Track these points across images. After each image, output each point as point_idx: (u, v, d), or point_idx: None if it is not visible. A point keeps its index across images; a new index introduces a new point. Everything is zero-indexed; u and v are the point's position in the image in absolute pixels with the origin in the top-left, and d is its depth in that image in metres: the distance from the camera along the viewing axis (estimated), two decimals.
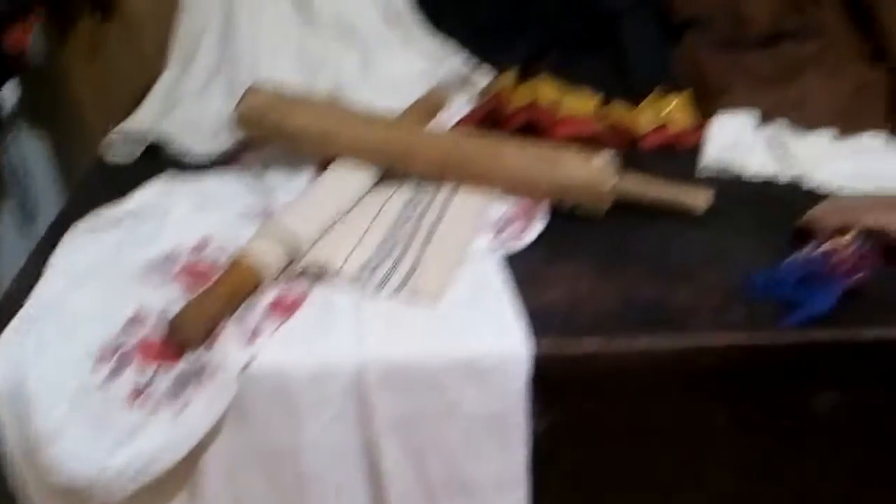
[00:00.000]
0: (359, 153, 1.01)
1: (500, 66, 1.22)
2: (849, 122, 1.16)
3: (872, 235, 0.92)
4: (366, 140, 1.01)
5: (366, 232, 0.94)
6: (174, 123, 1.14)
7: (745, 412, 0.92)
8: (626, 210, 1.00)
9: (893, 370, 0.88)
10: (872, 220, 0.94)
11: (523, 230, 0.97)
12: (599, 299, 0.89)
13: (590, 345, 0.83)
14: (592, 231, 0.99)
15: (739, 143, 1.12)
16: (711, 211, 1.00)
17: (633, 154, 1.13)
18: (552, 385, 0.82)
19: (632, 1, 1.25)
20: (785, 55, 1.24)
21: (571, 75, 1.19)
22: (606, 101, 1.19)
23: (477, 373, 0.80)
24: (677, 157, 1.15)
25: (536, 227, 0.98)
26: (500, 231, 0.97)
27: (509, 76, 1.20)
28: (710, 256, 0.96)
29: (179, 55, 1.23)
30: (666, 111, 1.17)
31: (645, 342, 0.83)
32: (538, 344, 0.81)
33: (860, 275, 0.88)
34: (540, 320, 0.84)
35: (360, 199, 1.00)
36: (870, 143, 1.14)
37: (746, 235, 0.98)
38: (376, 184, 1.02)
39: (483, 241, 0.95)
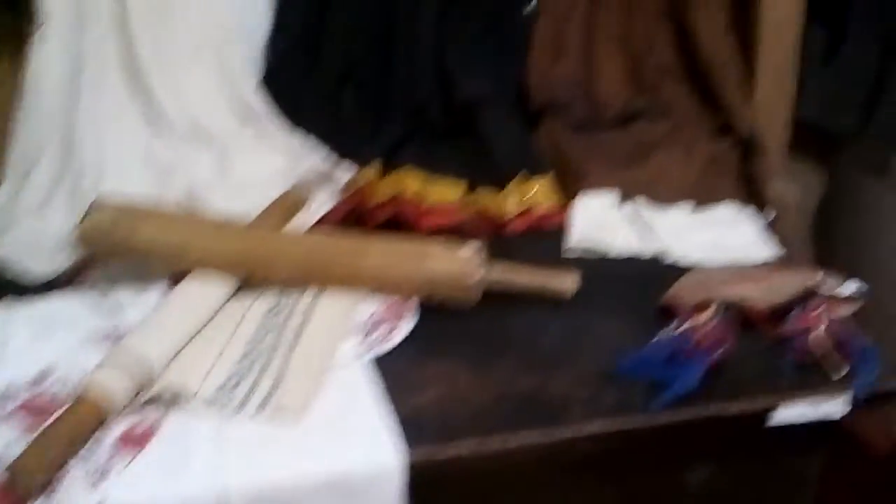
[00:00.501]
0: (214, 264, 0.98)
1: (361, 161, 1.24)
2: (702, 196, 1.23)
3: (731, 308, 0.99)
4: (220, 249, 0.99)
5: (224, 348, 0.92)
6: (11, 244, 1.09)
7: (629, 489, 0.94)
8: (496, 300, 1.02)
9: (759, 439, 0.93)
10: (730, 292, 1.00)
11: (392, 331, 0.97)
12: (473, 396, 0.89)
13: (464, 447, 0.83)
14: (463, 325, 1.00)
15: (602, 222, 1.17)
16: (580, 294, 1.03)
17: (500, 240, 1.16)
18: (429, 493, 0.81)
19: (490, 89, 1.31)
20: (638, 135, 1.32)
21: (435, 165, 1.22)
22: (471, 188, 1.22)
23: (349, 491, 0.78)
24: (544, 240, 1.18)
25: (406, 327, 0.98)
26: (368, 334, 0.97)
27: (371, 170, 1.22)
28: (581, 341, 0.98)
29: (15, 169, 1.18)
30: (530, 195, 1.21)
31: (520, 438, 0.84)
32: (411, 452, 0.81)
33: (722, 349, 0.93)
34: (413, 426, 0.84)
35: (217, 312, 0.97)
36: (724, 215, 1.22)
37: (615, 316, 1.02)
38: (234, 294, 1.00)
39: (351, 345, 0.95)
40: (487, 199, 1.21)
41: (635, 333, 0.97)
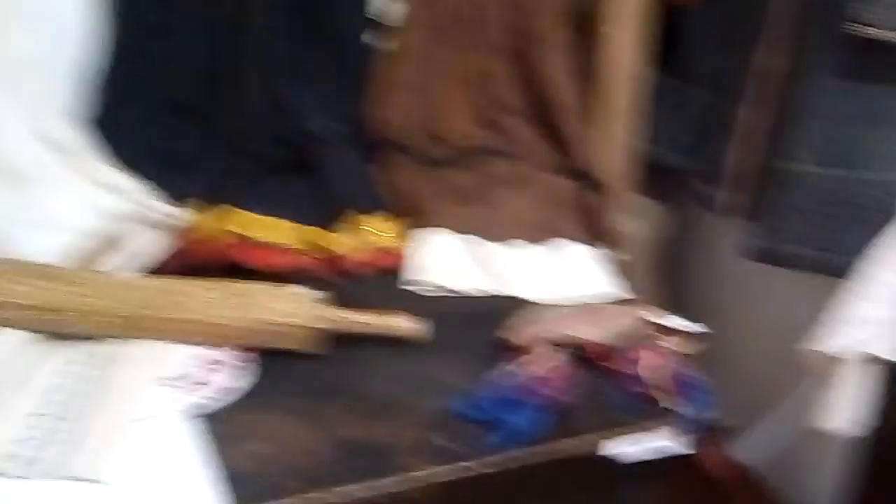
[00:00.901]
0: (12, 307, 0.91)
1: (186, 198, 1.19)
2: (546, 233, 1.26)
3: (567, 345, 1.00)
4: (16, 294, 0.92)
5: (11, 404, 0.85)
6: None
7: None
8: (332, 344, 1.00)
9: (596, 475, 0.94)
10: (567, 330, 1.02)
11: (218, 380, 0.93)
12: (304, 447, 0.86)
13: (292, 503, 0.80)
14: (297, 371, 0.97)
15: (442, 259, 1.17)
16: (419, 334, 1.03)
17: (339, 281, 1.14)
18: None
19: (326, 123, 1.30)
20: (481, 172, 1.33)
21: (266, 203, 1.18)
22: (303, 226, 1.18)
23: None
24: (384, 279, 1.17)
25: (233, 376, 0.94)
26: (189, 384, 0.92)
27: (197, 207, 1.17)
28: (418, 384, 0.97)
29: None
30: (370, 233, 1.20)
31: (350, 490, 0.82)
32: None
33: (558, 387, 0.94)
34: (238, 483, 0.80)
35: (8, 365, 0.90)
36: (567, 252, 1.24)
37: (452, 356, 1.01)
38: (34, 341, 0.93)
39: (168, 397, 0.89)
40: (324, 239, 1.18)
41: (472, 374, 0.97)
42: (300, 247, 1.16)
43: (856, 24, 1.11)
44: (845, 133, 1.19)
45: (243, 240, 1.13)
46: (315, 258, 1.15)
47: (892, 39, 1.10)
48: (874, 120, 1.17)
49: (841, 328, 1.08)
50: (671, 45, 1.39)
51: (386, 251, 1.19)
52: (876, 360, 1.05)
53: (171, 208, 1.17)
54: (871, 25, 1.10)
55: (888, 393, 1.04)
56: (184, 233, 1.14)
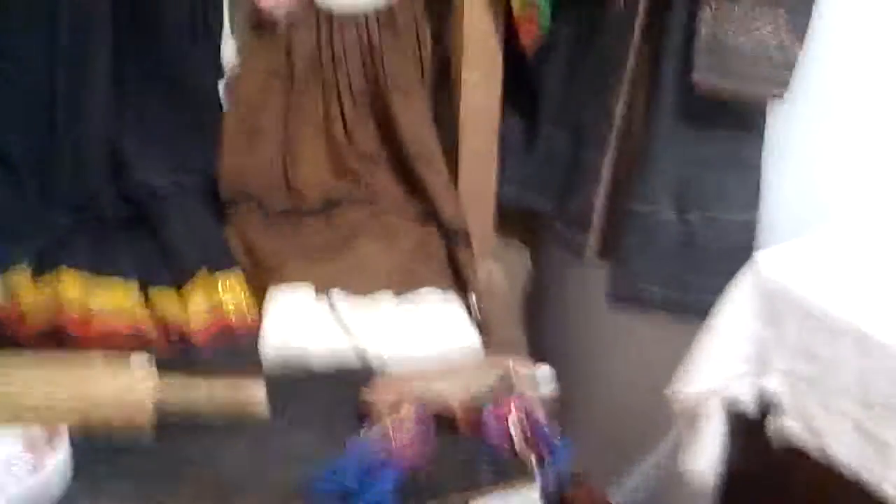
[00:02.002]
0: None
1: (13, 261, 1.12)
2: (406, 283, 1.25)
3: (427, 406, 0.99)
4: None
5: None
6: None
7: None
8: (175, 419, 0.95)
9: None
10: (427, 390, 1.01)
11: (43, 464, 0.87)
12: None
13: None
14: (136, 452, 0.92)
15: (298, 322, 1.14)
16: (274, 404, 0.99)
17: (183, 349, 1.09)
18: None
19: (173, 177, 1.26)
20: (339, 223, 1.32)
21: (104, 264, 1.12)
22: (147, 288, 1.14)
23: None
24: (234, 345, 1.12)
25: (59, 459, 0.88)
26: (13, 471, 0.86)
27: (22, 274, 1.10)
28: (273, 457, 0.93)
29: None
30: (218, 295, 1.16)
31: None
32: None
33: (421, 452, 0.93)
34: None
35: None
36: (427, 302, 1.24)
37: (309, 426, 0.98)
38: None
39: None
40: (167, 302, 1.13)
41: (331, 442, 0.94)
42: (138, 315, 1.10)
43: (693, 76, 1.19)
44: (696, 176, 1.24)
45: (74, 308, 1.07)
46: (155, 328, 1.10)
47: (724, 87, 1.18)
48: (722, 163, 1.24)
49: (702, 370, 1.12)
50: (523, 86, 1.44)
51: (236, 314, 1.15)
52: (737, 401, 1.10)
53: None
54: (703, 78, 1.17)
55: (743, 435, 1.09)
56: (6, 301, 1.07)
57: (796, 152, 1.22)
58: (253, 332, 1.13)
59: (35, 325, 1.05)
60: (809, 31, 1.15)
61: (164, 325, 1.10)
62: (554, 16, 1.38)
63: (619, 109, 1.29)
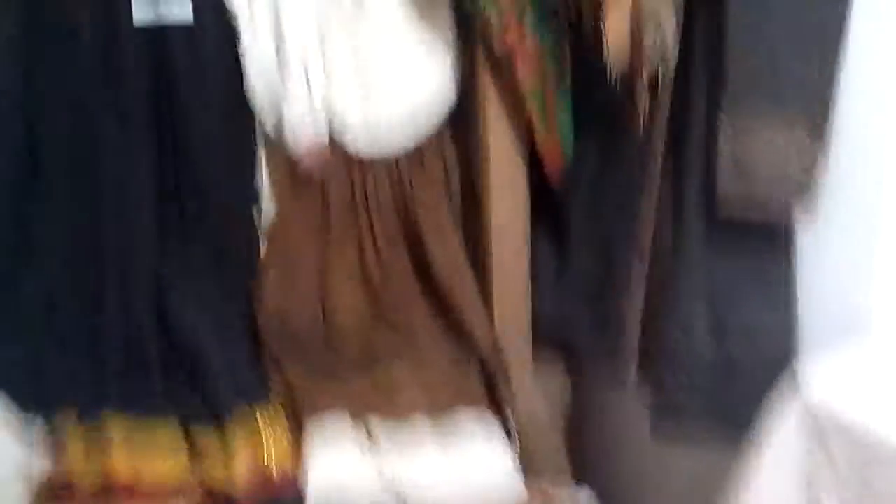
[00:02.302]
0: None
1: (56, 405, 1.17)
2: (442, 405, 1.28)
3: None
4: None
5: None
6: None
7: None
8: None
9: None
10: None
11: None
12: None
13: None
14: None
15: (340, 469, 1.16)
16: None
17: None
18: None
19: (215, 324, 1.31)
20: (379, 374, 1.35)
21: (149, 405, 1.18)
22: (187, 426, 1.17)
23: None
24: (277, 500, 1.14)
25: None
26: None
27: (68, 418, 1.15)
28: None
29: None
30: (259, 437, 1.18)
31: None
32: None
33: None
34: None
35: None
36: (465, 426, 1.25)
37: None
38: None
39: None
40: (209, 451, 1.16)
41: None
42: (186, 486, 1.13)
43: (717, 194, 1.20)
44: (727, 297, 1.23)
45: (122, 470, 1.10)
46: (201, 486, 1.12)
47: (749, 206, 1.18)
48: (752, 283, 1.23)
49: (741, 499, 1.09)
50: (551, 214, 1.47)
51: (278, 466, 1.17)
52: None
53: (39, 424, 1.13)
54: (727, 196, 1.18)
55: None
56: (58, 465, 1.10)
57: (832, 261, 1.22)
58: (295, 487, 1.14)
59: (83, 492, 1.07)
60: (831, 143, 1.16)
61: (208, 488, 1.13)
62: (577, 141, 1.43)
63: (648, 235, 1.31)
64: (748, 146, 1.17)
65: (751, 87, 1.15)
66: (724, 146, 1.19)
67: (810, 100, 1.13)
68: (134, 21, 1.27)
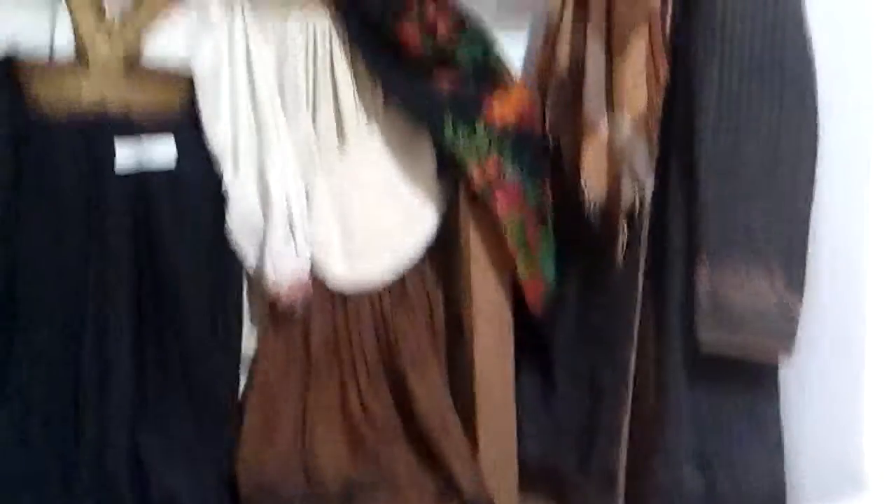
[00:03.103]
0: None
1: None
2: None
3: None
4: None
5: None
6: None
7: None
8: None
9: None
10: None
11: None
12: None
13: None
14: None
15: None
16: None
17: None
18: None
19: (190, 479, 1.28)
20: None
21: None
22: None
23: None
24: None
25: None
26: None
27: None
28: None
29: None
30: None
31: None
32: None
33: None
34: None
35: None
36: None
37: None
38: None
39: None
40: None
41: None
42: None
43: (698, 336, 1.22)
44: (714, 433, 1.25)
45: None
46: None
47: (730, 346, 1.20)
48: (738, 418, 1.25)
49: None
50: (536, 343, 1.47)
51: None
52: None
53: None
54: (707, 337, 1.20)
55: None
56: None
57: (818, 403, 1.23)
58: None
59: None
60: (807, 283, 1.19)
61: None
62: (559, 271, 1.46)
63: (632, 365, 1.32)
64: (726, 296, 1.21)
65: (727, 242, 1.21)
66: (703, 296, 1.23)
67: (786, 250, 1.19)
68: (117, 170, 1.29)
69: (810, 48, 1.19)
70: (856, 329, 1.17)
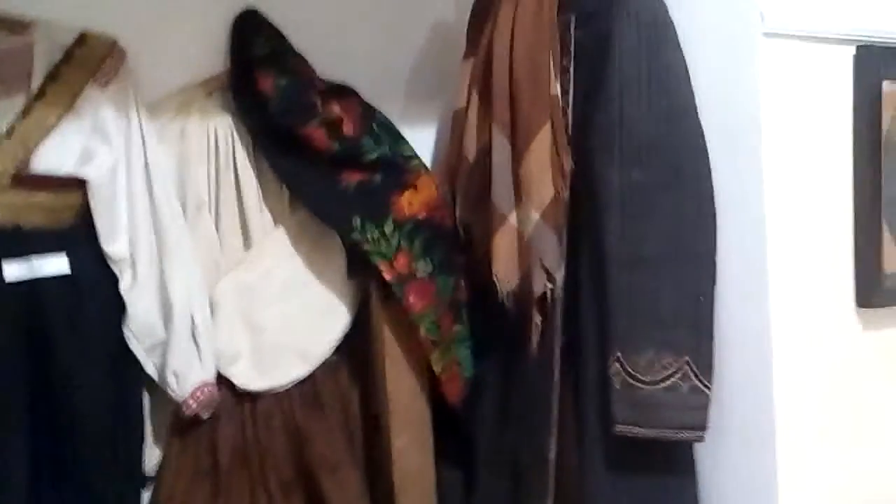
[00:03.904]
0: None
1: None
2: None
3: None
4: None
5: None
6: None
7: None
8: None
9: None
10: None
11: None
12: None
13: None
14: None
15: None
16: None
17: None
18: None
19: None
20: None
21: None
22: None
23: None
24: None
25: None
26: None
27: None
28: None
29: None
30: None
31: None
32: None
33: None
34: None
35: None
36: None
37: None
38: None
39: None
40: None
41: None
42: None
43: (613, 427, 1.23)
44: None
45: None
46: None
47: (645, 436, 1.22)
48: (658, 499, 1.26)
49: None
50: (457, 437, 1.46)
51: None
52: None
53: None
54: (623, 428, 1.22)
55: None
56: None
57: (732, 481, 1.26)
58: None
59: None
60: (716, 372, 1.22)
61: None
62: (477, 360, 1.45)
63: (552, 453, 1.32)
64: (637, 380, 1.22)
65: (636, 330, 1.23)
66: (615, 379, 1.23)
67: (693, 333, 1.22)
68: (5, 278, 1.23)
69: (702, 134, 1.24)
70: (765, 408, 1.20)
